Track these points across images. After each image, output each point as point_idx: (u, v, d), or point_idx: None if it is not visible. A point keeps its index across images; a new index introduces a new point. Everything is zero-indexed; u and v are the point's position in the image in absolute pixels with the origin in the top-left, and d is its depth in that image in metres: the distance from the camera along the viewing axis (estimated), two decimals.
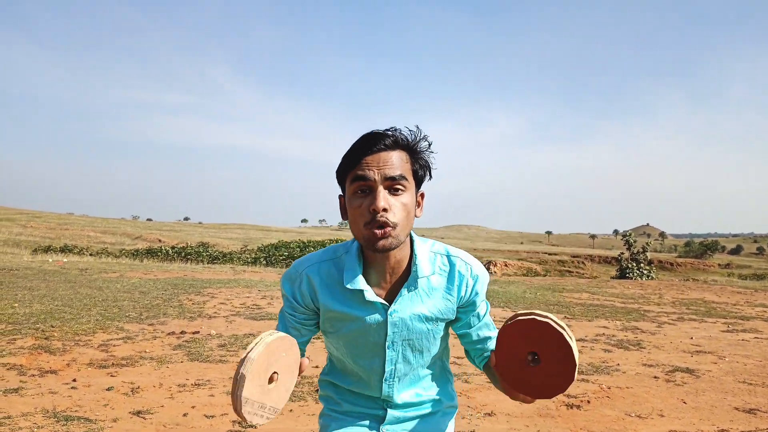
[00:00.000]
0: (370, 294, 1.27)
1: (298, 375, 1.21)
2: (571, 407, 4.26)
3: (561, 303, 10.62)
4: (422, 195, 1.32)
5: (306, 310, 1.34)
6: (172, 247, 27.11)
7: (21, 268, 13.34)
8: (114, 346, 5.82)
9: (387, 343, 1.32)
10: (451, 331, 1.45)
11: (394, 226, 1.19)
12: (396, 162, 1.21)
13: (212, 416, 3.91)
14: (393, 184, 1.20)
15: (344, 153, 1.25)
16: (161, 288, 10.67)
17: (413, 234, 1.33)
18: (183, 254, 24.46)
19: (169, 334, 6.53)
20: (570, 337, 1.12)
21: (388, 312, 1.29)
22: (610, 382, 4.98)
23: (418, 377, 1.41)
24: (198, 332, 6.67)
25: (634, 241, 21.59)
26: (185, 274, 13.94)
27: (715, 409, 4.31)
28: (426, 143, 1.29)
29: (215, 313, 8.12)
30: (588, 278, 22.14)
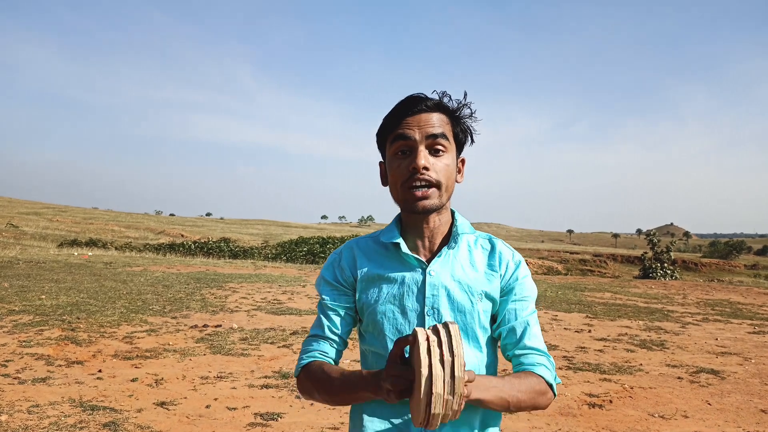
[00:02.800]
0: (406, 247, 1.22)
1: None
2: (593, 407, 4.22)
3: (582, 302, 10.52)
4: (463, 161, 1.29)
5: (347, 288, 1.27)
6: (195, 242, 27.41)
7: (48, 261, 13.63)
8: (138, 338, 5.92)
9: (426, 309, 1.20)
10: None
11: (436, 186, 1.18)
12: (437, 122, 1.19)
13: (234, 408, 3.95)
14: (434, 144, 1.18)
15: (386, 115, 1.24)
16: (184, 282, 10.81)
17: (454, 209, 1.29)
18: (205, 249, 24.75)
19: (192, 327, 6.61)
20: None
21: (427, 271, 1.20)
22: (633, 382, 4.93)
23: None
24: (220, 326, 6.75)
25: (658, 241, 21.25)
26: (207, 268, 14.12)
27: (740, 411, 4.24)
28: (469, 110, 1.26)
29: (237, 307, 8.21)
30: (610, 277, 21.88)
